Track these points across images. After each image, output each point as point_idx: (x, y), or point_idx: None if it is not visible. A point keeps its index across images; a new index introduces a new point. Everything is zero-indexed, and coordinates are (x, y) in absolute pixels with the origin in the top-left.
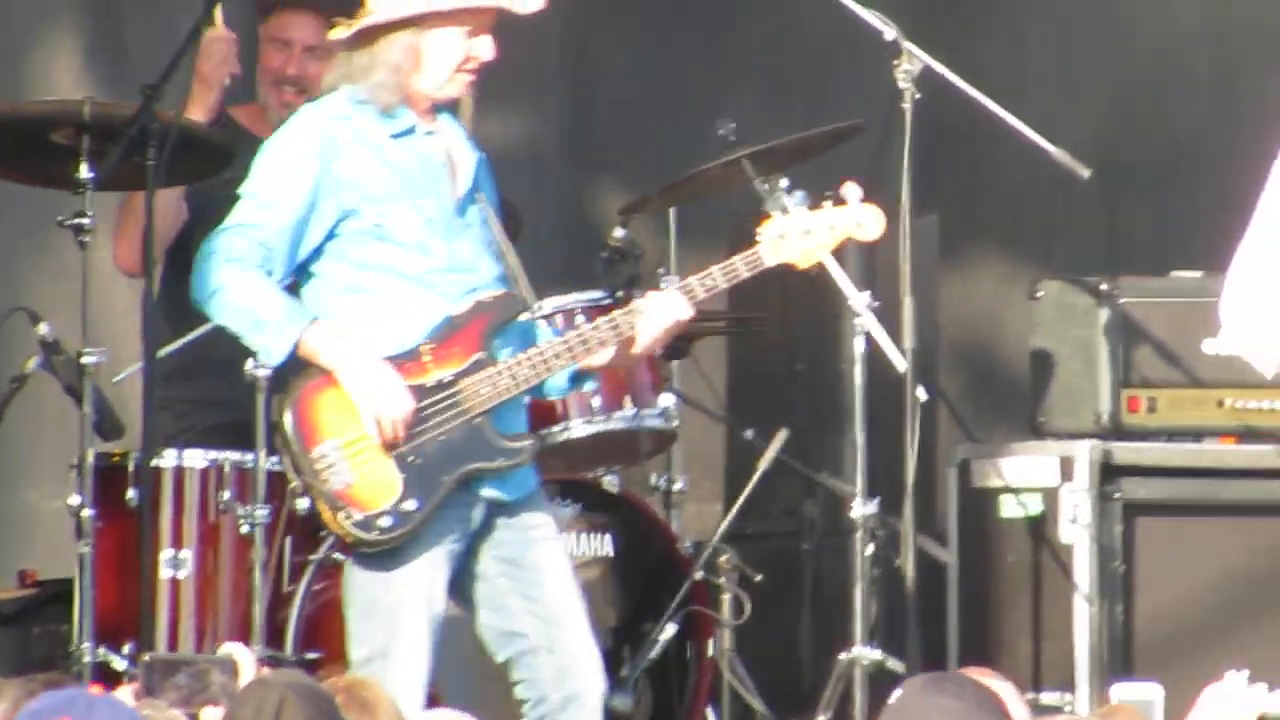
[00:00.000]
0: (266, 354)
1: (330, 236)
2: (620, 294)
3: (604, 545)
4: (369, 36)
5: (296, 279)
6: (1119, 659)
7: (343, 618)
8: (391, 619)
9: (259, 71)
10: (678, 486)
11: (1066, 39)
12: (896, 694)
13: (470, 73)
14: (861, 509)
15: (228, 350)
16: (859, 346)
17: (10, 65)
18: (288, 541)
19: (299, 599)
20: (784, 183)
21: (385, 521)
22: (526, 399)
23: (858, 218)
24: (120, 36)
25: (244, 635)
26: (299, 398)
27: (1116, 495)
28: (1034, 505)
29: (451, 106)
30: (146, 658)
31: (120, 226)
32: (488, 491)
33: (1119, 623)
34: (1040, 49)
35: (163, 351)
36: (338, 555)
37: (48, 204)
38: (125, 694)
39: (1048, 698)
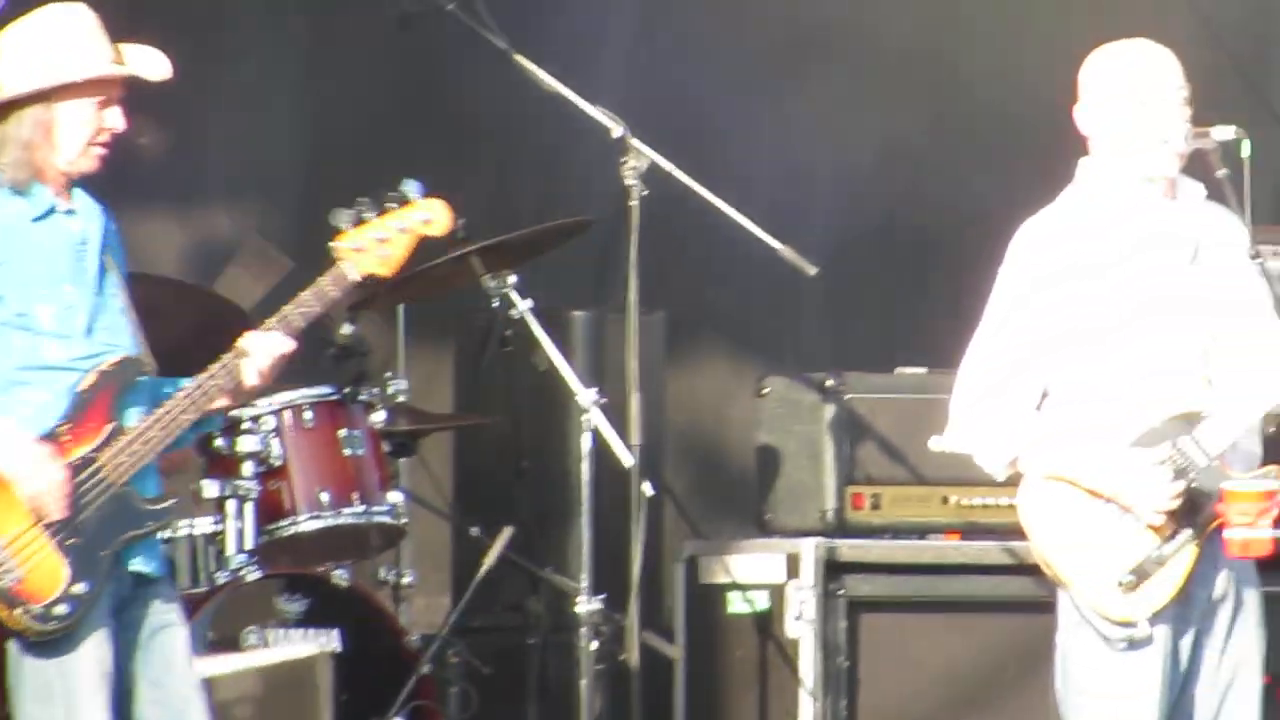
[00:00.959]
0: None
1: None
2: (348, 390)
3: (332, 639)
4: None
5: None
6: None
7: None
8: (69, 701)
9: None
10: (406, 580)
11: (792, 138)
12: None
13: (103, 145)
14: (586, 605)
15: None
16: (586, 443)
17: None
18: None
19: None
20: (512, 279)
21: (61, 610)
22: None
23: (424, 215)
24: None
25: None
26: None
27: (841, 592)
28: (760, 601)
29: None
30: None
31: None
32: (135, 565)
33: (843, 717)
34: (769, 147)
35: None
36: None
37: None
38: None
39: None
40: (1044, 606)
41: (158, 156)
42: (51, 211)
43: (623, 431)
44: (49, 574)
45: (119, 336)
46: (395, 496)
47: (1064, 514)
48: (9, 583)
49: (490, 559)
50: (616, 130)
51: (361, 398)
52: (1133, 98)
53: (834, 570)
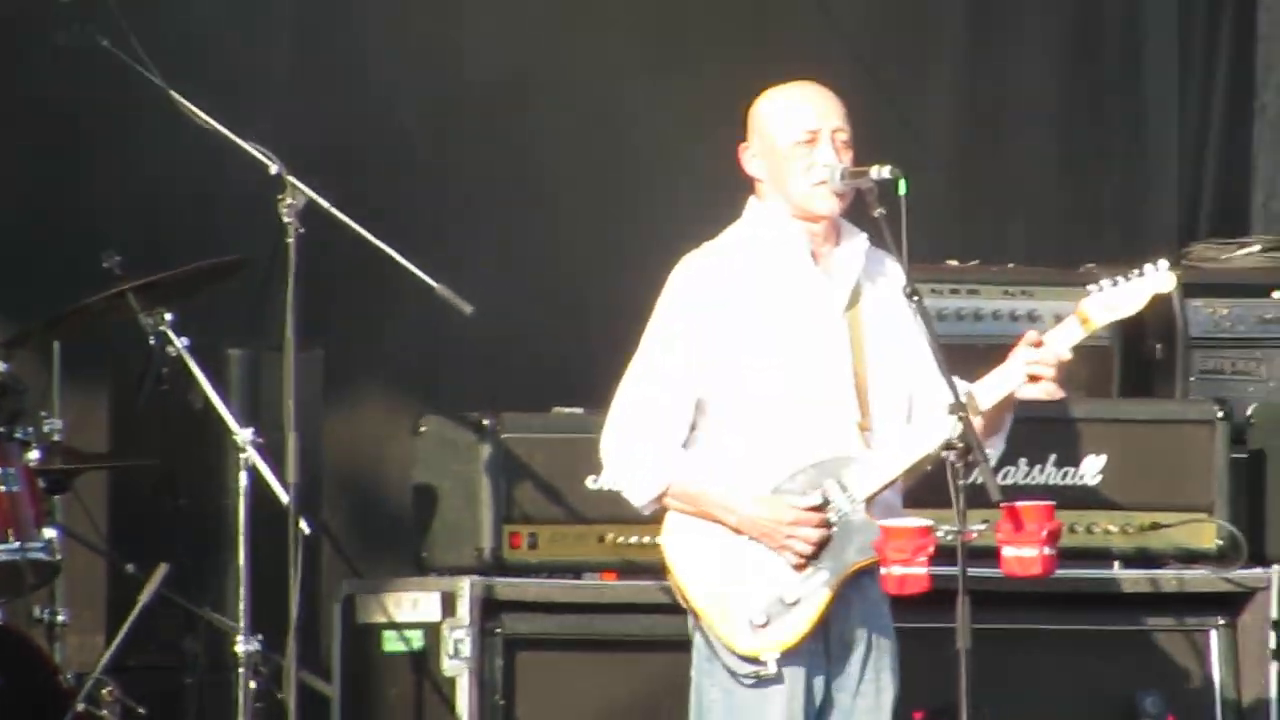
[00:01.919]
0: None
1: None
2: (2, 429)
3: None
4: None
5: None
6: None
7: None
8: None
9: None
10: (60, 618)
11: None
12: None
13: None
14: (244, 644)
15: None
16: (243, 481)
17: None
18: None
19: None
20: (169, 317)
21: None
22: None
23: None
24: None
25: None
26: None
27: (498, 630)
28: (417, 640)
29: None
30: None
31: None
32: None
33: None
34: (427, 187)
35: None
36: None
37: None
38: None
39: None
40: None
41: None
42: None
43: (280, 470)
44: None
45: None
46: (50, 533)
47: (704, 550)
48: None
49: (145, 596)
50: (274, 168)
51: (16, 436)
52: (793, 139)
53: (491, 609)
